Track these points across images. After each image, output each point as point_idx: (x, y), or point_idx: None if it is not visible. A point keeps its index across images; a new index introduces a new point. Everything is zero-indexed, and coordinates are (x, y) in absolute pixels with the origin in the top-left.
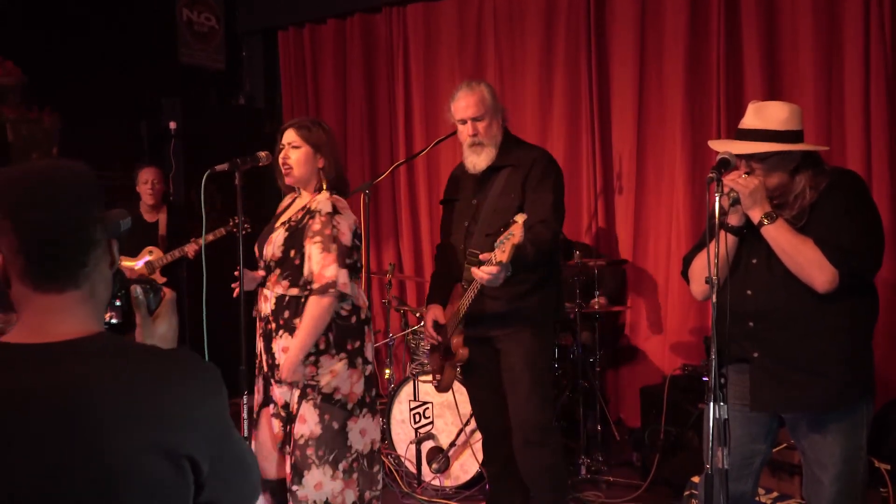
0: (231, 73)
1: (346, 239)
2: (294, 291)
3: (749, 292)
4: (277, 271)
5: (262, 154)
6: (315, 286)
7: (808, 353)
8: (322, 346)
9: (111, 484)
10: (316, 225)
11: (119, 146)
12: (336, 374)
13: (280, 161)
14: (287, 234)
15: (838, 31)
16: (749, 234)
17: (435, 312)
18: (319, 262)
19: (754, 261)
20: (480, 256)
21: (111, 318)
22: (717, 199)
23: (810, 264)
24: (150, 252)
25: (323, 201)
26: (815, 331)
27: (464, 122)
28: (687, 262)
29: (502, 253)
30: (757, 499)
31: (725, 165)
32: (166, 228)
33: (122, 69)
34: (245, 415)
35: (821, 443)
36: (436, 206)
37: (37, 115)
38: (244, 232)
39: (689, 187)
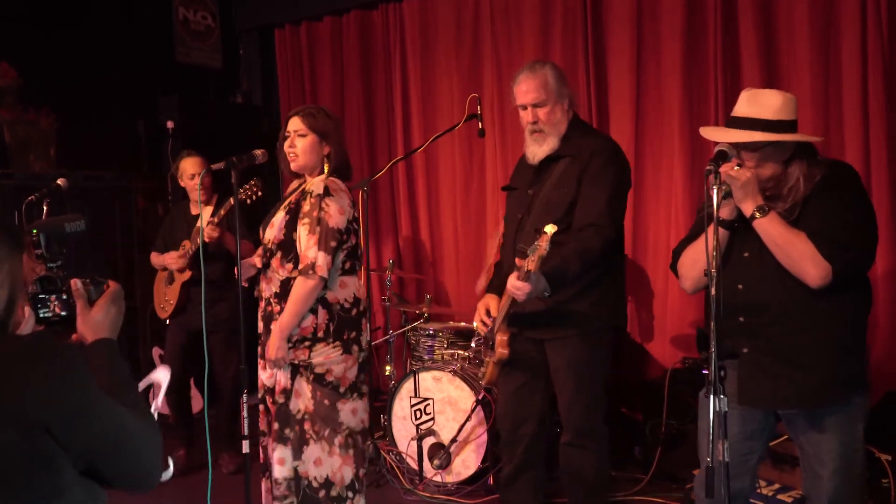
0: (228, 71)
1: (335, 221)
2: (296, 274)
3: (740, 286)
4: (279, 254)
5: (259, 152)
6: (300, 267)
7: (799, 349)
8: (321, 335)
9: None
10: (306, 206)
11: (116, 146)
12: (329, 357)
13: (286, 148)
14: (288, 217)
15: (835, 21)
16: (741, 227)
17: (488, 302)
18: (304, 243)
19: (746, 254)
20: (517, 262)
21: (58, 309)
22: (715, 191)
23: (803, 259)
24: (183, 246)
25: (317, 183)
26: (807, 326)
27: (524, 107)
28: (676, 255)
29: (531, 262)
30: (759, 490)
31: (723, 158)
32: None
33: (118, 68)
34: (245, 413)
35: (817, 438)
36: (434, 202)
37: (33, 115)
38: (255, 198)
39: (688, 180)
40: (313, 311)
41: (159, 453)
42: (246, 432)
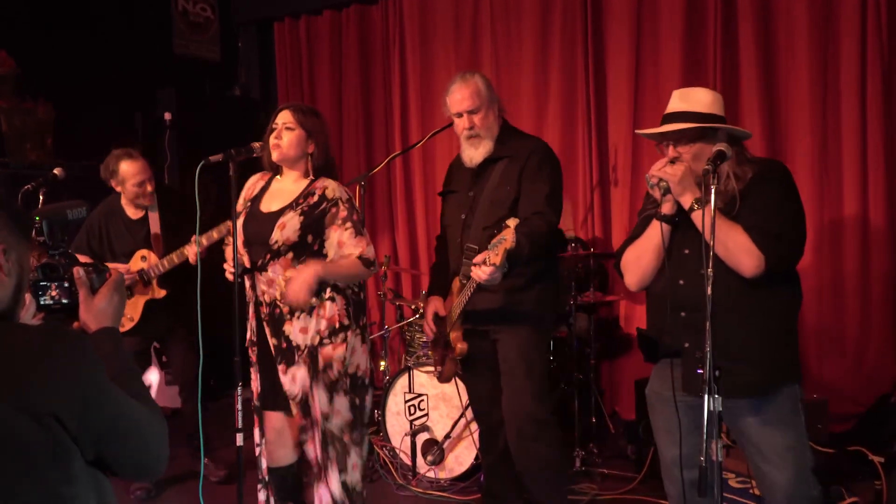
0: (226, 64)
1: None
2: None
3: (681, 282)
4: (290, 255)
5: (257, 145)
6: (362, 258)
7: (735, 341)
8: (346, 322)
9: None
10: (343, 212)
11: (113, 137)
12: (356, 351)
13: (271, 139)
14: (303, 218)
15: (834, 22)
16: (681, 225)
17: (435, 304)
18: (356, 244)
19: (686, 251)
20: (475, 259)
21: (60, 297)
22: (713, 190)
23: (738, 249)
24: (144, 258)
25: (337, 189)
26: (742, 319)
27: (459, 115)
28: (619, 254)
29: (496, 256)
30: (750, 490)
31: (722, 158)
32: (160, 225)
33: (116, 60)
34: (239, 406)
35: (758, 434)
36: (431, 198)
37: (31, 105)
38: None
39: None
40: (332, 298)
41: (165, 441)
42: (239, 425)
